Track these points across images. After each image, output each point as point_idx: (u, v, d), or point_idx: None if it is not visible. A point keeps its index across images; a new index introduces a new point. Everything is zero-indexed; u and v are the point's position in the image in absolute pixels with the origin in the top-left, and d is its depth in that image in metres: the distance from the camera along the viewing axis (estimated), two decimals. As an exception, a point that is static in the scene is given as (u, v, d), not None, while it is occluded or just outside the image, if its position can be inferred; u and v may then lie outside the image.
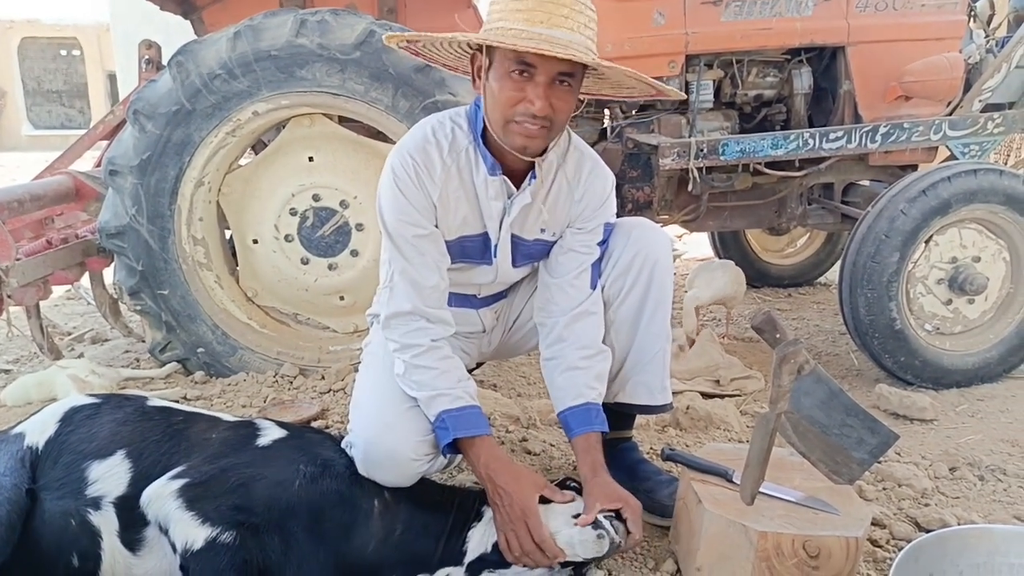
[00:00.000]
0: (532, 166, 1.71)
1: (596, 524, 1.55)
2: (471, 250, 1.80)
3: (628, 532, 1.57)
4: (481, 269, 1.84)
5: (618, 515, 1.59)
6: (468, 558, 1.62)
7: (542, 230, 1.81)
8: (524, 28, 1.49)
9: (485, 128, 1.69)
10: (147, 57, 3.46)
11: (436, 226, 1.74)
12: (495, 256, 1.80)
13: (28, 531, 1.45)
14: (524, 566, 1.57)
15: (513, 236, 1.79)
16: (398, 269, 1.71)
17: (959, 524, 1.82)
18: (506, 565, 1.60)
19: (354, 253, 2.85)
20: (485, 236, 1.79)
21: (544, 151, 1.70)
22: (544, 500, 1.62)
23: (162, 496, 1.44)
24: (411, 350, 1.69)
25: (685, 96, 2.10)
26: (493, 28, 1.54)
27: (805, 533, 1.47)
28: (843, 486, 1.62)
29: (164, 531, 1.44)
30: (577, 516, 1.58)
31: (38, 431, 1.56)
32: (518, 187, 1.74)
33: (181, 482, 1.46)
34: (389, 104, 2.62)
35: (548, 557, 1.54)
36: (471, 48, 1.67)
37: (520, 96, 1.55)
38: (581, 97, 1.79)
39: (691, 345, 3.09)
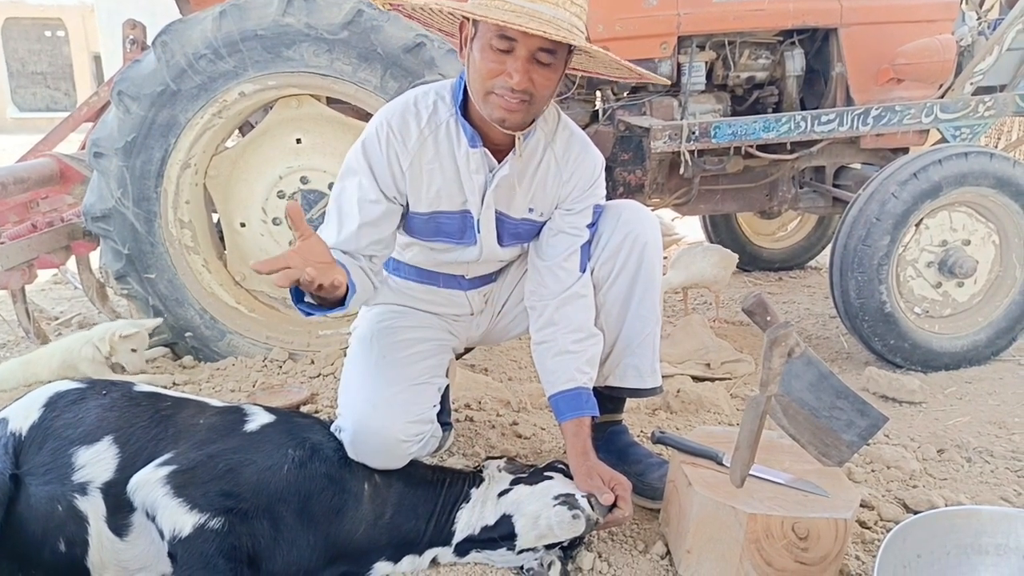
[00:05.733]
0: (515, 141, 1.69)
1: (571, 504, 1.56)
2: (448, 227, 1.78)
3: (615, 507, 1.59)
4: (466, 249, 1.82)
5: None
6: (456, 538, 1.63)
7: (530, 209, 1.80)
8: (508, 1, 1.47)
9: (468, 101, 1.67)
10: (132, 37, 3.40)
11: (402, 202, 1.72)
12: (478, 231, 1.78)
13: (12, 517, 1.44)
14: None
15: (499, 213, 1.78)
16: (329, 223, 1.70)
17: (947, 505, 1.83)
18: (493, 546, 1.62)
19: (343, 236, 2.82)
20: (464, 214, 1.77)
21: (527, 125, 1.68)
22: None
23: (149, 483, 1.43)
24: None
25: (669, 82, 2.07)
26: (478, 4, 1.52)
27: (794, 515, 1.48)
28: (832, 468, 1.63)
29: (151, 518, 1.43)
30: (558, 497, 1.59)
31: (22, 416, 1.54)
32: (501, 161, 1.72)
33: (168, 469, 1.45)
34: (378, 85, 2.59)
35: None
36: (460, 16, 1.65)
37: (500, 69, 1.53)
38: (573, 75, 1.77)
39: None
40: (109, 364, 2.65)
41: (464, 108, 1.69)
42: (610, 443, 1.98)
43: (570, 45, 1.57)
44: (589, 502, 1.57)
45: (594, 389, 1.80)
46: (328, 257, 1.46)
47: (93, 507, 1.47)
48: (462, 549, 1.63)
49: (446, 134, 1.70)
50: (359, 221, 1.68)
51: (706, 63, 3.10)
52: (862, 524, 1.80)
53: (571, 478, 1.68)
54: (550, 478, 1.68)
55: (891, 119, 2.93)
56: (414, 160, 1.69)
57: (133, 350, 2.64)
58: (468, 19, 1.59)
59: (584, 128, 3.04)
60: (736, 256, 3.45)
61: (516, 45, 1.51)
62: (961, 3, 3.24)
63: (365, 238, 1.70)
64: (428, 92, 1.73)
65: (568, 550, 1.64)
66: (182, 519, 1.40)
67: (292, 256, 1.37)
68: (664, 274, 3.31)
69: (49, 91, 20.80)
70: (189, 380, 2.64)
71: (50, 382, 2.46)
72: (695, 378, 2.77)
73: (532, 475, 1.70)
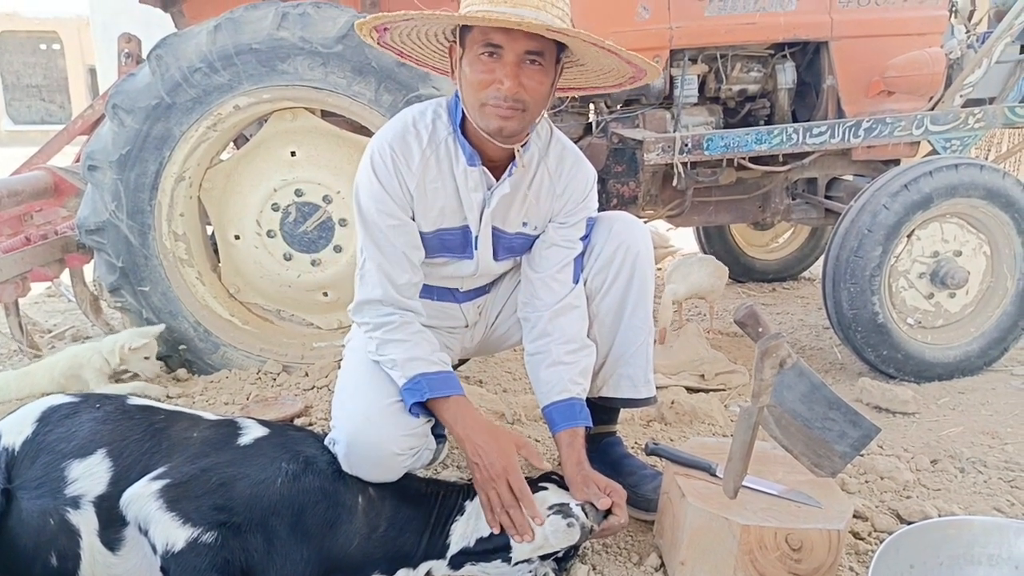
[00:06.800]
0: (512, 157, 1.71)
1: (566, 513, 1.57)
2: (451, 243, 1.79)
3: (611, 514, 1.60)
4: (463, 263, 1.83)
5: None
6: (451, 551, 1.62)
7: (524, 224, 1.81)
8: (489, 9, 1.49)
9: (464, 119, 1.68)
10: (127, 51, 3.42)
11: (413, 218, 1.74)
12: (476, 248, 1.80)
13: (4, 531, 1.43)
14: (504, 529, 1.57)
15: (494, 229, 1.79)
16: (371, 258, 1.72)
17: (940, 516, 1.84)
18: (488, 558, 1.61)
19: (337, 249, 2.83)
20: (465, 230, 1.78)
21: (524, 139, 1.69)
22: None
23: (142, 497, 1.42)
24: (383, 327, 1.71)
25: (660, 71, 2.05)
26: (459, 12, 1.54)
27: (787, 526, 1.48)
28: (825, 479, 1.63)
29: (144, 532, 1.42)
30: (553, 507, 1.59)
31: (14, 432, 1.53)
32: (499, 179, 1.73)
33: (161, 483, 1.44)
34: (372, 98, 2.60)
35: (526, 516, 1.56)
36: (448, 41, 1.66)
37: (490, 78, 1.55)
38: (565, 95, 1.78)
39: (663, 338, 3.10)
40: (113, 376, 2.65)
41: (462, 126, 1.70)
42: (604, 454, 1.98)
43: (558, 52, 1.59)
44: (584, 511, 1.58)
45: (588, 400, 1.80)
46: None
47: (85, 521, 1.46)
48: (457, 562, 1.63)
49: (446, 152, 1.71)
50: (402, 250, 1.71)
51: (698, 76, 3.12)
52: (855, 535, 1.80)
53: (566, 489, 1.68)
54: (544, 488, 1.68)
55: (882, 131, 2.96)
56: (419, 181, 1.70)
57: (146, 358, 2.66)
58: (455, 41, 1.61)
59: (577, 141, 3.07)
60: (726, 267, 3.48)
61: (503, 51, 1.53)
62: (950, 16, 3.28)
63: (416, 261, 1.74)
64: (425, 111, 1.74)
65: (562, 561, 1.64)
66: (175, 533, 1.39)
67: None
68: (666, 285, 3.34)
69: (44, 104, 20.81)
70: (183, 393, 2.63)
71: (49, 392, 2.49)
72: (689, 389, 2.77)
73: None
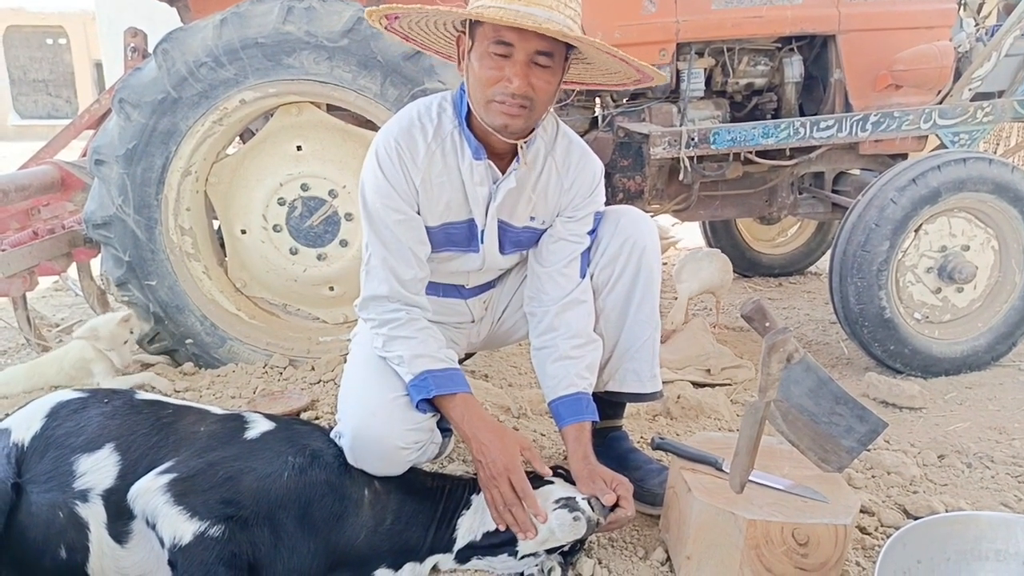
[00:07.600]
0: (518, 150, 1.70)
1: (572, 507, 1.57)
2: (456, 237, 1.79)
3: (617, 507, 1.60)
4: (469, 257, 1.83)
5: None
6: (457, 545, 1.63)
7: (531, 218, 1.81)
8: (502, 6, 1.49)
9: (470, 112, 1.68)
10: (133, 45, 3.42)
11: (418, 212, 1.74)
12: (482, 242, 1.80)
13: (14, 524, 1.44)
14: (508, 526, 1.58)
15: (501, 222, 1.79)
16: (376, 254, 1.72)
17: (947, 511, 1.83)
18: (494, 552, 1.62)
19: (343, 243, 2.83)
20: (470, 223, 1.78)
21: (528, 133, 1.69)
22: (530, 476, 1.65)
23: (150, 491, 1.43)
24: (389, 324, 1.71)
25: (666, 77, 2.06)
26: (473, 8, 1.54)
27: (794, 521, 1.48)
28: (832, 474, 1.63)
29: (152, 526, 1.43)
30: (559, 501, 1.60)
31: (24, 427, 1.54)
32: (504, 172, 1.73)
33: (169, 477, 1.45)
34: (378, 92, 2.60)
35: (528, 514, 1.57)
36: (456, 31, 1.66)
37: (499, 75, 1.55)
38: (571, 88, 1.78)
39: (667, 338, 3.10)
40: (120, 370, 2.67)
41: (467, 120, 1.70)
42: (610, 449, 1.98)
43: (567, 51, 1.59)
44: (590, 504, 1.58)
45: (594, 394, 1.81)
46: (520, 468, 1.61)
47: (94, 514, 1.47)
48: (463, 556, 1.63)
49: (452, 145, 1.71)
50: (408, 245, 1.71)
51: (705, 69, 3.11)
52: (862, 530, 1.80)
53: (572, 483, 1.68)
54: (551, 483, 1.68)
55: (890, 125, 2.94)
56: (425, 176, 1.70)
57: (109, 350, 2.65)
58: (464, 32, 1.61)
59: (583, 135, 3.06)
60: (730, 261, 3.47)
61: (514, 50, 1.52)
62: (959, 9, 3.25)
63: (422, 256, 1.74)
64: (430, 106, 1.74)
65: (568, 555, 1.64)
66: (182, 527, 1.40)
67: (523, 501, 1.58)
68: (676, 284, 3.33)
69: (50, 98, 20.85)
70: (190, 387, 2.64)
71: (57, 385, 2.51)
72: (695, 384, 2.76)
73: (533, 480, 1.70)
